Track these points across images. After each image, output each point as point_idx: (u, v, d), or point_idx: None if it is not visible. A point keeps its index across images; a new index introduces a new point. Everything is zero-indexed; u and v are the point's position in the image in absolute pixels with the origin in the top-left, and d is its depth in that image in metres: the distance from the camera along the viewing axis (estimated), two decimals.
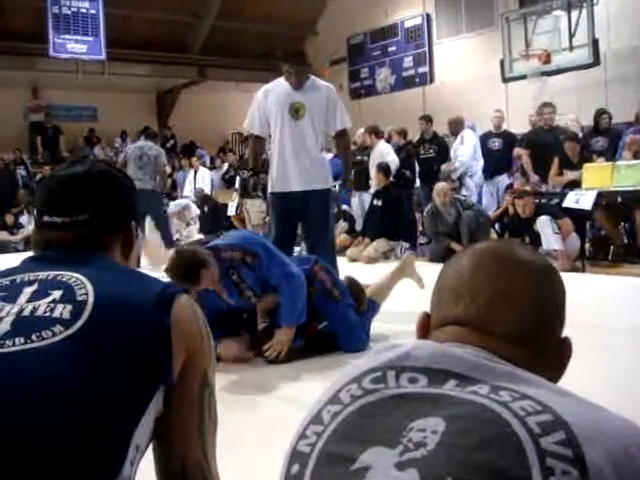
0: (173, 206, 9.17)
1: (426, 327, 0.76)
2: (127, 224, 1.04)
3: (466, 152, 7.70)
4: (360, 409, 0.64)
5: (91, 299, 0.86)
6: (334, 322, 3.15)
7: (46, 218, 0.98)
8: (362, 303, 3.32)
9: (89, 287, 0.88)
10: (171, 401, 0.87)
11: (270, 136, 3.93)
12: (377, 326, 3.42)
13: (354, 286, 3.36)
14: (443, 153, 8.00)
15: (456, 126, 7.97)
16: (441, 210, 6.30)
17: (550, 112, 7.06)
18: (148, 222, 7.04)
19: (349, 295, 3.24)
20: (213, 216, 9.51)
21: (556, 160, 6.46)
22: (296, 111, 3.74)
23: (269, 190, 3.96)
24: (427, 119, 8.17)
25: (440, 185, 6.47)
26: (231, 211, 10.02)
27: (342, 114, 3.86)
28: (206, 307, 2.90)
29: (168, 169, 9.36)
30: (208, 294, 2.89)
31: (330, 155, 7.41)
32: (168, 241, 7.06)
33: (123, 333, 0.84)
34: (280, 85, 3.81)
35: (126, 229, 1.04)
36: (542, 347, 0.71)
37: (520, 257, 0.74)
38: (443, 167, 7.83)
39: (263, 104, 3.81)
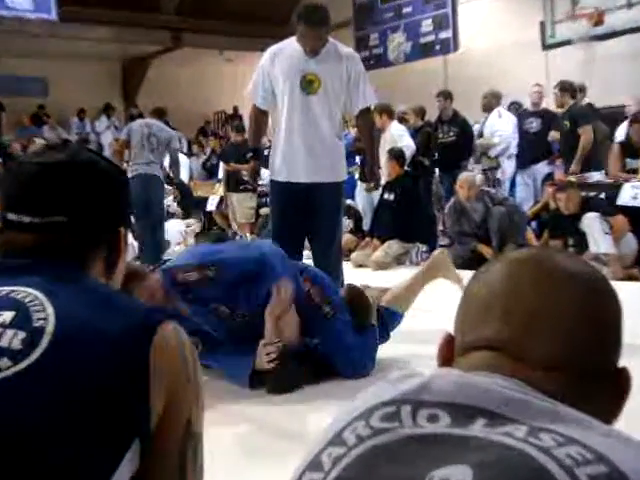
0: None
1: (450, 352, 0.77)
2: (114, 231, 1.02)
3: (507, 127, 7.72)
4: (368, 453, 0.64)
5: (50, 327, 0.84)
6: (326, 342, 3.11)
7: (11, 216, 0.96)
8: (366, 317, 3.27)
9: (49, 310, 0.86)
10: (148, 455, 0.85)
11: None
12: (388, 346, 3.38)
13: (356, 297, 3.32)
14: (466, 137, 7.97)
15: (491, 101, 7.96)
16: (466, 206, 6.29)
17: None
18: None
19: (346, 310, 3.20)
20: (184, 210, 9.53)
21: (616, 147, 6.42)
22: (309, 84, 3.71)
23: (270, 177, 3.96)
24: (445, 95, 8.15)
25: (464, 175, 6.45)
26: (212, 206, 10.02)
27: (366, 89, 3.84)
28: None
29: (183, 158, 9.28)
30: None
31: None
32: (153, 253, 6.57)
33: (88, 373, 0.82)
34: (291, 47, 3.76)
35: (112, 237, 1.02)
36: (590, 378, 0.71)
37: (564, 268, 0.74)
38: (480, 141, 7.82)
39: (269, 69, 3.79)
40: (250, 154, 4.12)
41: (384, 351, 3.31)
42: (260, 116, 3.98)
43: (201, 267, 2.89)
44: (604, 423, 0.70)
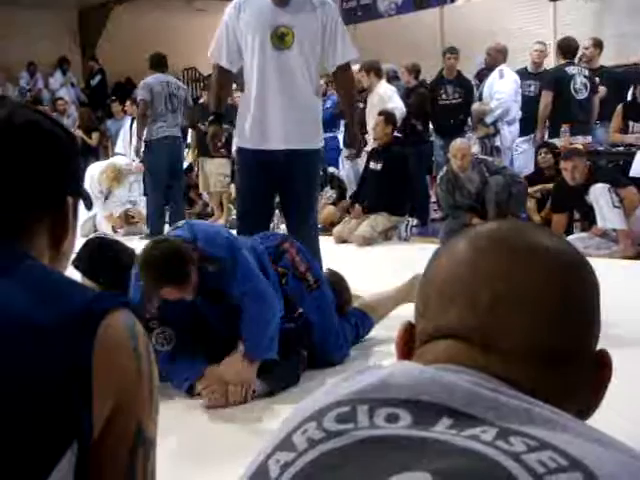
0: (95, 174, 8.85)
1: (410, 342, 0.77)
2: (61, 201, 0.99)
3: (507, 89, 7.66)
4: (320, 459, 0.63)
5: None
6: (309, 314, 3.17)
7: None
8: (346, 303, 3.33)
9: None
10: (89, 464, 0.84)
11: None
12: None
13: (337, 280, 3.38)
14: (469, 99, 8.00)
15: (496, 57, 7.90)
16: (460, 176, 6.27)
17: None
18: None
19: (329, 287, 3.25)
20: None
21: (619, 109, 6.43)
22: (280, 38, 3.65)
23: (237, 144, 3.92)
24: (452, 52, 8.12)
25: (457, 142, 6.42)
26: None
27: (344, 42, 3.79)
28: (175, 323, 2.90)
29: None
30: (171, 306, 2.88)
31: None
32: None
33: (13, 371, 0.81)
34: None
35: (58, 208, 0.99)
36: (568, 367, 0.70)
37: (536, 243, 0.73)
38: (475, 106, 7.80)
39: (234, 23, 3.73)
40: (211, 117, 4.01)
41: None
42: (225, 78, 3.92)
43: (203, 254, 2.85)
44: (584, 413, 0.72)
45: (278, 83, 3.68)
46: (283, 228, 4.12)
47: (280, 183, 3.79)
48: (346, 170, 8.21)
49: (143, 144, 7.39)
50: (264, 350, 2.87)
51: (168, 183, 7.51)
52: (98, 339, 0.84)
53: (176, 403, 2.86)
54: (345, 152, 8.35)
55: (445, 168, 6.56)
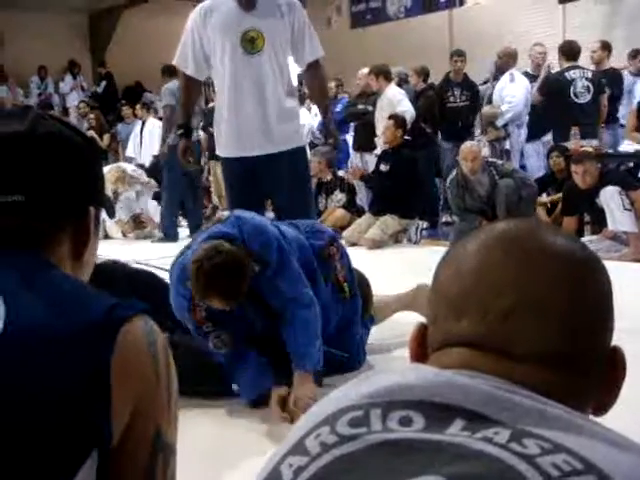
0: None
1: (423, 344, 0.76)
2: (83, 210, 1.00)
3: (518, 93, 7.64)
4: (333, 463, 0.63)
5: None
6: (338, 322, 3.08)
7: None
8: (367, 311, 3.27)
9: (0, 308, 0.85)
10: (109, 470, 0.84)
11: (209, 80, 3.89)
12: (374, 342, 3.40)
13: (365, 286, 3.30)
14: (476, 102, 8.00)
15: (507, 61, 7.88)
16: (470, 179, 6.25)
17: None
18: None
19: (359, 295, 3.17)
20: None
21: (634, 107, 6.39)
22: (251, 42, 3.60)
23: (219, 154, 3.89)
24: (459, 54, 8.12)
25: (468, 145, 6.41)
26: None
27: (312, 40, 3.75)
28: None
29: (157, 124, 9.62)
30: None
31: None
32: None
33: (35, 379, 0.81)
34: (224, 3, 3.64)
35: (80, 217, 1.00)
36: (581, 368, 0.70)
37: (547, 245, 0.72)
38: (485, 110, 7.78)
39: (200, 30, 3.65)
40: (180, 131, 3.94)
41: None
42: (192, 86, 3.85)
43: (251, 254, 2.69)
44: (599, 411, 0.72)
45: (251, 87, 3.63)
46: None
47: (269, 189, 3.74)
48: None
49: (167, 148, 7.41)
50: (318, 361, 2.77)
51: (185, 186, 7.62)
52: (117, 346, 0.85)
53: (187, 406, 2.86)
54: (356, 155, 8.36)
55: (455, 171, 6.54)
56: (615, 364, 0.73)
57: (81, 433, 0.81)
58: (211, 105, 9.95)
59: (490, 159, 6.68)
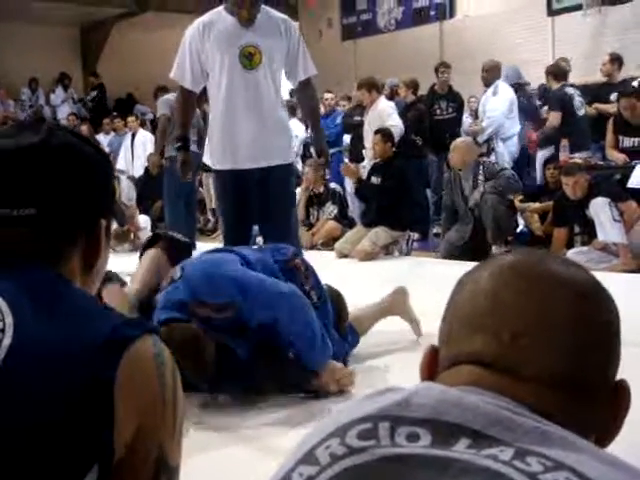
0: None
1: (434, 366, 0.79)
2: (93, 223, 1.00)
3: (499, 106, 7.65)
4: (342, 474, 0.64)
5: (7, 340, 0.83)
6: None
7: None
8: (343, 320, 3.30)
9: (8, 320, 0.85)
10: None
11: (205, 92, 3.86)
12: (361, 351, 3.39)
13: (337, 298, 3.33)
14: (461, 113, 8.16)
15: (492, 74, 7.91)
16: (458, 174, 6.39)
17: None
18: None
19: (331, 305, 3.20)
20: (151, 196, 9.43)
21: (609, 125, 6.45)
22: (248, 58, 3.65)
23: (212, 166, 3.91)
24: (446, 66, 8.20)
25: (459, 140, 6.49)
26: None
27: (306, 58, 3.85)
28: None
29: (149, 137, 9.65)
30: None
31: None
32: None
33: (39, 394, 0.81)
34: (222, 19, 3.70)
35: (91, 229, 0.99)
36: (586, 394, 0.72)
37: (554, 274, 0.75)
38: (465, 126, 7.81)
39: (198, 45, 3.70)
40: (178, 144, 3.94)
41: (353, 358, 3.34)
42: (189, 99, 3.90)
43: (217, 306, 2.73)
44: (602, 440, 0.73)
45: (246, 102, 3.68)
46: None
47: (256, 200, 3.77)
48: (349, 186, 8.20)
49: (164, 161, 7.34)
50: (325, 351, 2.86)
51: (188, 192, 7.50)
52: (122, 365, 0.85)
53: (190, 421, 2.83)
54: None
55: (448, 172, 6.65)
56: (620, 394, 0.75)
57: (82, 448, 0.81)
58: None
59: (484, 158, 6.77)
